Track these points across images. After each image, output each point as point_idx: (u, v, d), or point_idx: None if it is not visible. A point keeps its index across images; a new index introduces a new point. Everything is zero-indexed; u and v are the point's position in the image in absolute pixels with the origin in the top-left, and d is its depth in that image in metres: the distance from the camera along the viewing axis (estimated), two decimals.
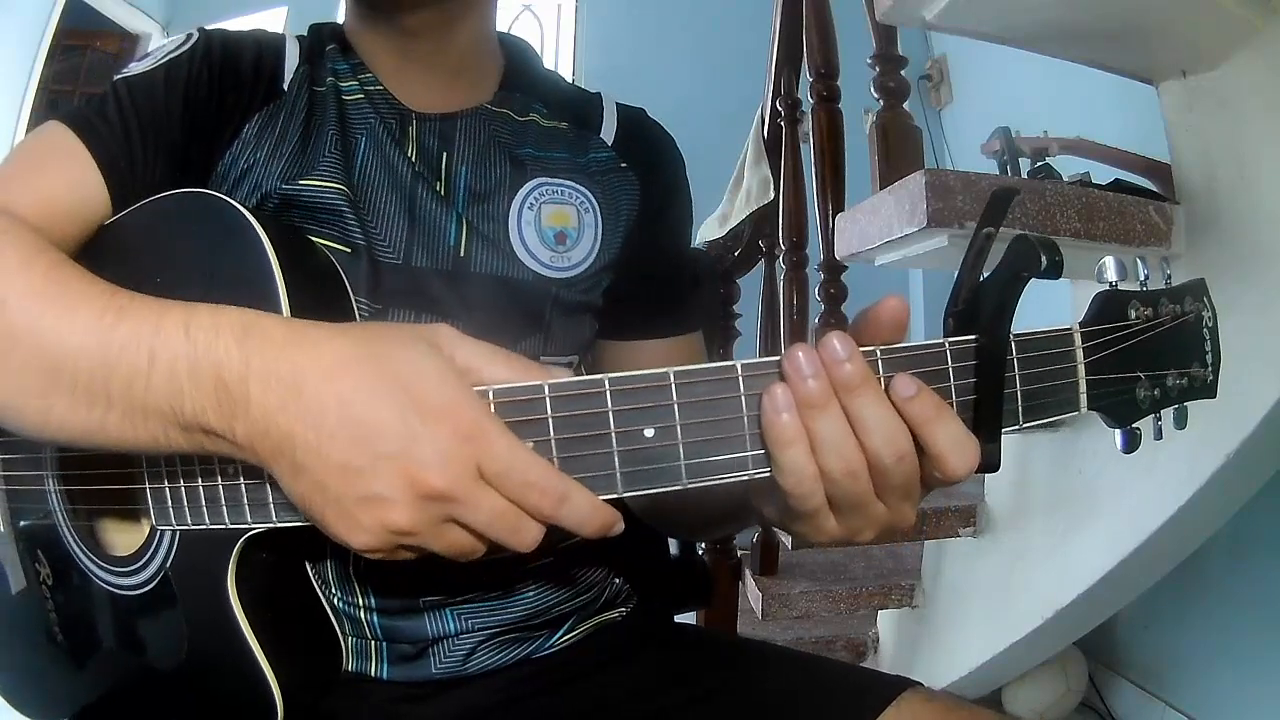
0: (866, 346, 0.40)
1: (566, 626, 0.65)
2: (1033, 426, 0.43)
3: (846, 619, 1.80)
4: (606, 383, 0.39)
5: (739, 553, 1.66)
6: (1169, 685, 1.63)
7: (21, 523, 0.60)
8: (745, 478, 0.40)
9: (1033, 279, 0.40)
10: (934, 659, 1.60)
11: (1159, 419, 0.46)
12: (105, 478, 0.52)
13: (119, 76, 0.58)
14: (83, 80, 3.73)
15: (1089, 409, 0.44)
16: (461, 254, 0.60)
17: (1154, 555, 1.17)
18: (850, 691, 0.60)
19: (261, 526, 0.46)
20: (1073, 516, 1.27)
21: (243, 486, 0.46)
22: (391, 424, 0.36)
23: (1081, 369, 0.44)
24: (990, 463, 0.41)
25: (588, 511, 0.38)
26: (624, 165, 0.67)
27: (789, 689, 0.62)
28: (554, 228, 0.63)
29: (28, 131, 3.26)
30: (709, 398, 0.39)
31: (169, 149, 0.56)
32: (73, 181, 0.54)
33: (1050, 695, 1.66)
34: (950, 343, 0.41)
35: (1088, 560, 1.23)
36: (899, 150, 1.29)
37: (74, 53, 3.70)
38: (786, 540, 1.48)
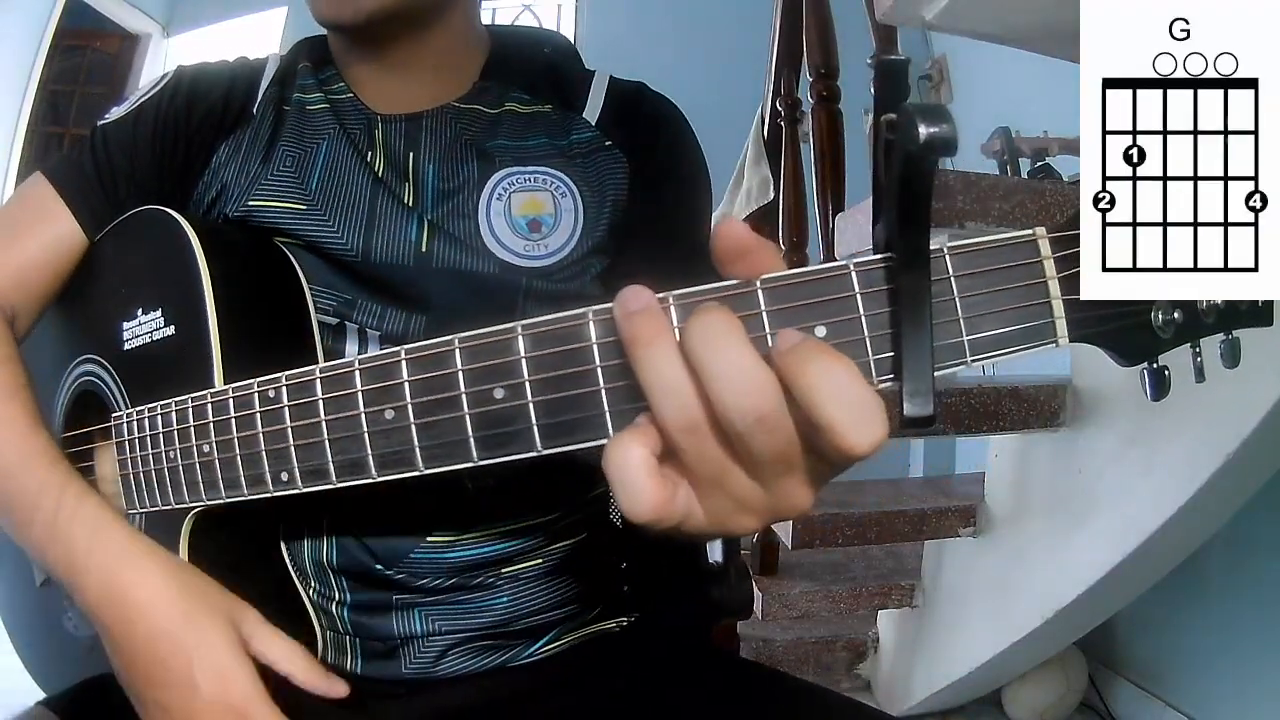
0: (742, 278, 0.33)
1: (549, 636, 0.62)
2: (987, 358, 0.34)
3: (846, 619, 1.80)
4: (456, 341, 0.37)
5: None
6: (1169, 685, 1.63)
7: None
8: (605, 443, 0.34)
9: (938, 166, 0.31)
10: (934, 659, 1.60)
11: (1198, 353, 0.34)
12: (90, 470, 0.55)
13: (101, 122, 0.62)
14: (83, 80, 3.73)
15: (1074, 339, 0.34)
16: (424, 249, 0.59)
17: (1154, 555, 1.17)
18: None
19: (200, 505, 0.48)
20: (1073, 516, 1.27)
21: (197, 465, 0.48)
22: (178, 698, 0.46)
23: (1054, 285, 0.33)
24: (920, 414, 0.32)
25: None
26: (609, 144, 0.65)
27: None
28: (526, 215, 0.61)
29: (27, 132, 3.28)
30: (559, 349, 0.35)
31: (146, 191, 0.60)
32: (56, 242, 0.60)
33: (1050, 695, 1.66)
34: (856, 263, 0.33)
35: (1088, 560, 1.23)
36: None
37: (74, 53, 3.70)
38: (787, 540, 1.48)
